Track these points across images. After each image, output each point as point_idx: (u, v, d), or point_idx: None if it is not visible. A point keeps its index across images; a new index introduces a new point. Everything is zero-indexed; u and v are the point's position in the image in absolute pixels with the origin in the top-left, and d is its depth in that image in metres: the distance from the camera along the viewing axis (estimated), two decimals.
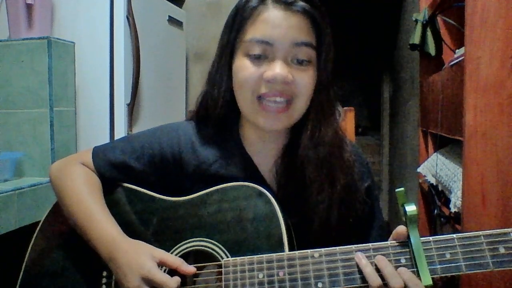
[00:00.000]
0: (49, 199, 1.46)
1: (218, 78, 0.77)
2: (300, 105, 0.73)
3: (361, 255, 0.63)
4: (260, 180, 0.78)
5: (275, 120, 0.72)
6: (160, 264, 0.69)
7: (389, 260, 0.62)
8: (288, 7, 0.70)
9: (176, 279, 0.66)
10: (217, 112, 0.77)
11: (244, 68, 0.72)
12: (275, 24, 0.70)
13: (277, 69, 0.69)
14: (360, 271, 0.62)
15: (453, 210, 1.13)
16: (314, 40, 0.72)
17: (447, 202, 1.25)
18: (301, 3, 0.71)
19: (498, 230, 0.60)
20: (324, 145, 0.74)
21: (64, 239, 0.83)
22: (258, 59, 0.71)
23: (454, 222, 1.17)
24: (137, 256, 0.68)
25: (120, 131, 1.75)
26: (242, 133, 0.81)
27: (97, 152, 0.83)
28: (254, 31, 0.71)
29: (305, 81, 0.72)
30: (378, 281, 0.61)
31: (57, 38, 1.57)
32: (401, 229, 0.63)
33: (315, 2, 0.73)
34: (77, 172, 0.81)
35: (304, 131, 0.75)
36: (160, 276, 0.66)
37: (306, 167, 0.74)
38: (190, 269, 0.68)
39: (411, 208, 0.61)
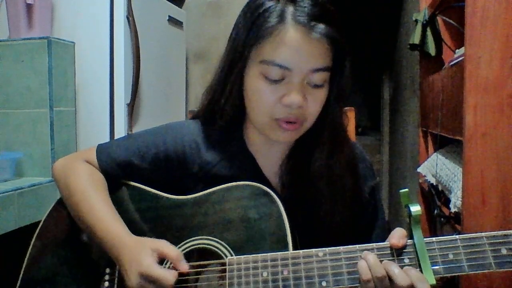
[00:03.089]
0: (49, 199, 1.46)
1: (227, 88, 0.74)
2: (309, 124, 0.74)
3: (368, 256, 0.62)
4: (265, 182, 0.78)
5: (287, 136, 0.73)
6: (160, 257, 0.68)
7: (393, 260, 0.62)
8: (309, 30, 0.67)
9: (174, 273, 0.65)
10: (224, 118, 0.77)
11: (260, 91, 0.70)
12: (296, 48, 0.67)
13: (293, 95, 0.69)
14: None
15: (453, 210, 1.13)
16: (331, 61, 0.71)
17: (447, 202, 1.25)
18: (322, 26, 0.67)
19: (500, 231, 0.61)
20: (335, 163, 0.75)
21: (65, 237, 0.83)
22: (275, 81, 0.70)
23: (454, 222, 1.17)
24: (137, 254, 0.68)
25: (120, 131, 1.75)
26: (247, 135, 0.81)
27: (101, 150, 0.83)
28: (273, 53, 0.68)
29: (316, 103, 0.71)
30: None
31: (57, 38, 1.56)
32: (400, 231, 0.63)
33: (335, 23, 0.70)
34: (81, 170, 0.81)
35: (316, 148, 0.76)
36: (158, 271, 0.65)
37: (317, 181, 0.75)
38: (183, 267, 0.67)
39: (415, 209, 0.61)
